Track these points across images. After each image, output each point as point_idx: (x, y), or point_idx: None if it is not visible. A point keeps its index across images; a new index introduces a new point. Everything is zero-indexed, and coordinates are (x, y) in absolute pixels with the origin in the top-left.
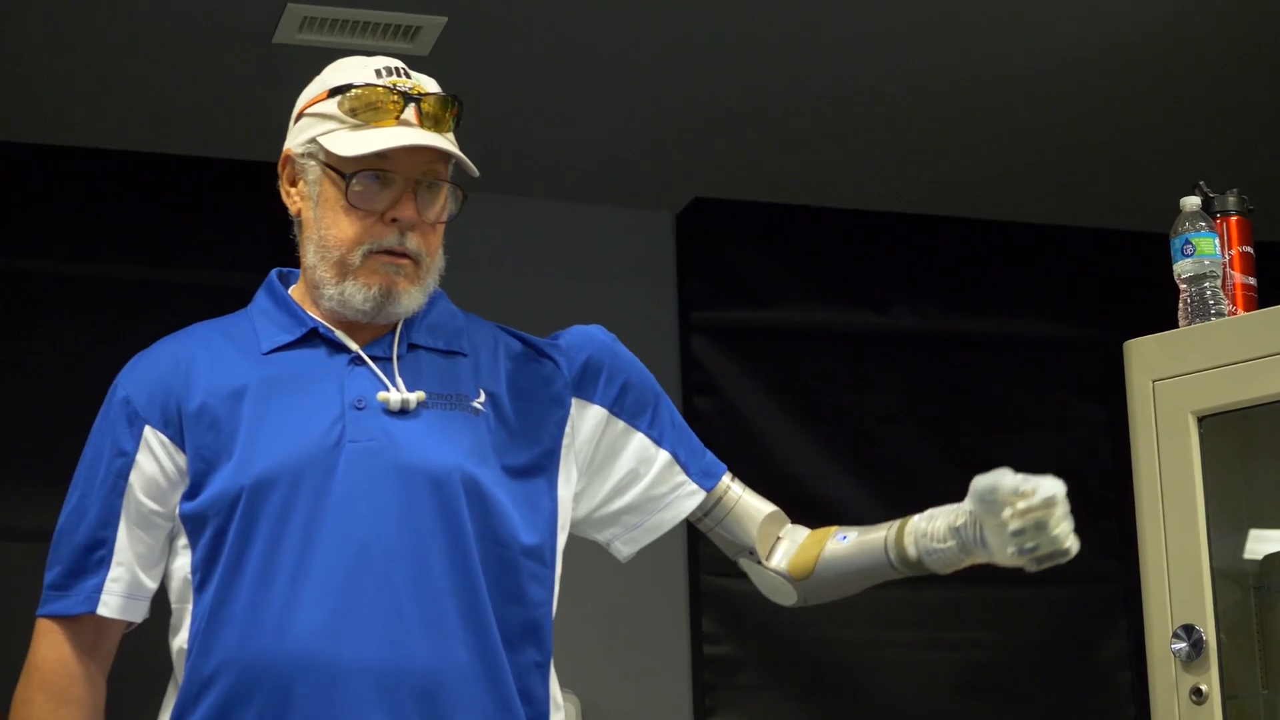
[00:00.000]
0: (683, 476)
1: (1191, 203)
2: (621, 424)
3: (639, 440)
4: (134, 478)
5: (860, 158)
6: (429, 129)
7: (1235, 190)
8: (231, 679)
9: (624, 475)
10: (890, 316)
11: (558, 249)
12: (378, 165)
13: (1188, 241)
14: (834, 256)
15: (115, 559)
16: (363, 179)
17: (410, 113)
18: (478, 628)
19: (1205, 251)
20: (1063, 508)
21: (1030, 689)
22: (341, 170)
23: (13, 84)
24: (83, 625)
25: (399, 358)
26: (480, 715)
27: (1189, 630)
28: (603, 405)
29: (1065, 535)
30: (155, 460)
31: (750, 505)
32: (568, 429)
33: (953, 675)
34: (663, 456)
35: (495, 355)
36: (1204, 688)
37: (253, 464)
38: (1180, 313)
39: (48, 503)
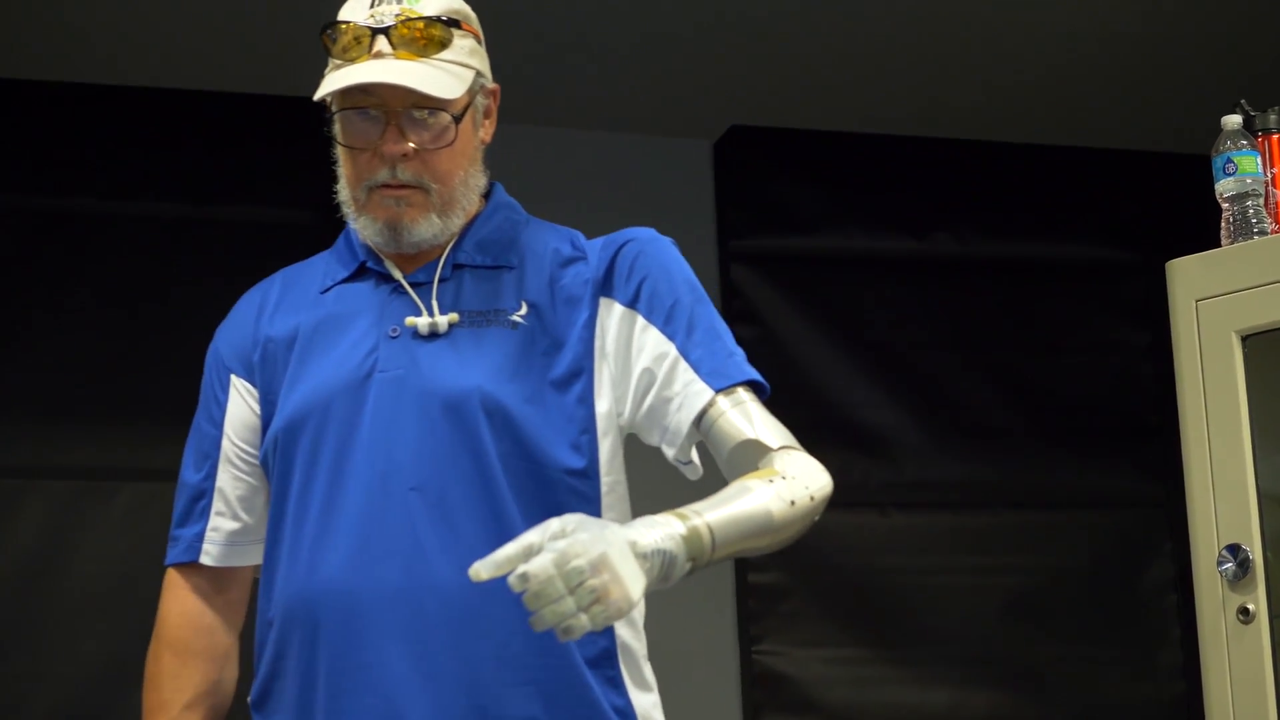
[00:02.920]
0: (692, 374)
1: (1233, 121)
2: (641, 321)
3: (654, 337)
4: (228, 426)
5: (898, 83)
6: (408, 56)
7: (1277, 108)
8: (280, 619)
9: (641, 374)
10: (930, 242)
11: (595, 179)
12: (359, 101)
13: (1229, 160)
14: (873, 183)
15: (215, 508)
16: (344, 117)
17: (382, 43)
18: None
19: (1247, 170)
20: (555, 586)
21: (1076, 613)
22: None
23: (51, 24)
24: (200, 575)
25: (441, 280)
26: (511, 632)
27: (1235, 550)
28: (623, 302)
29: (558, 616)
30: (246, 406)
31: (731, 426)
32: (597, 331)
33: (998, 600)
34: (673, 353)
35: (545, 263)
36: (1251, 607)
37: (287, 406)
38: (1223, 232)
39: (91, 440)
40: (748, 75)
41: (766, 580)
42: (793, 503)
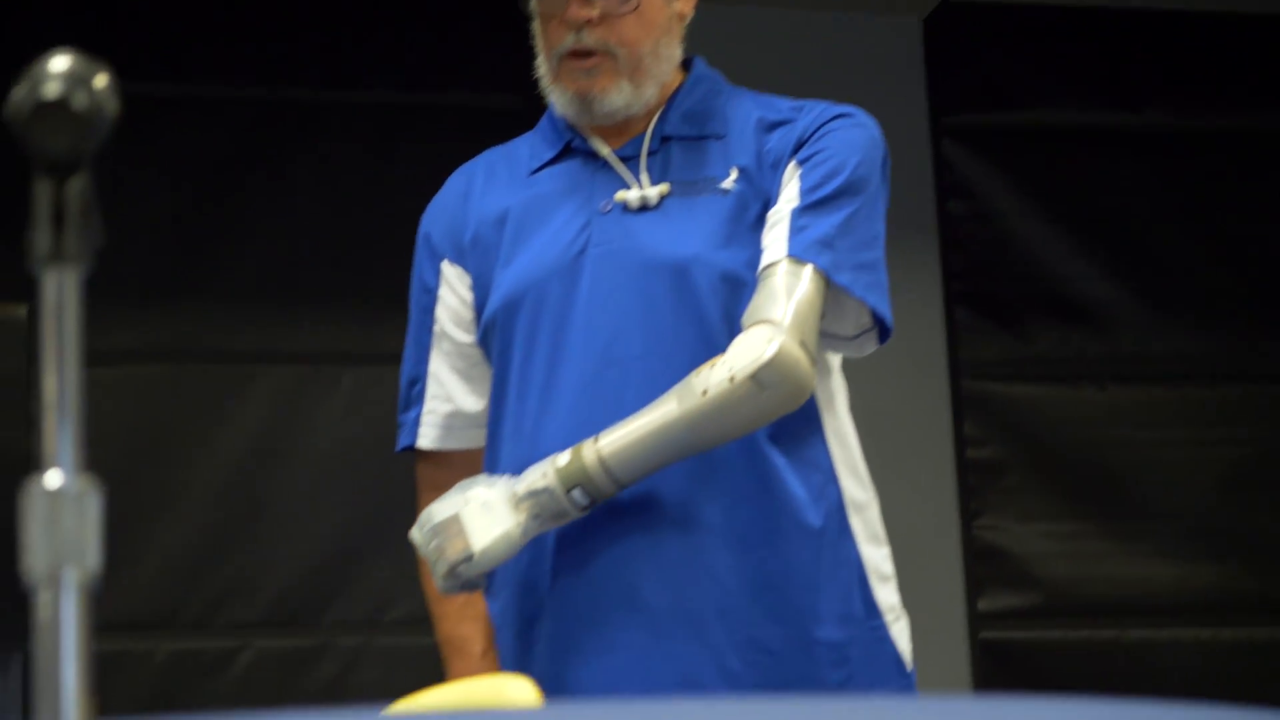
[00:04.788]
0: (786, 231)
1: None
2: (800, 172)
3: (793, 190)
4: (440, 312)
5: None
6: None
7: None
8: None
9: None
10: (1144, 115)
11: (806, 59)
12: None
13: None
14: (1085, 56)
15: (430, 391)
16: None
17: None
18: None
19: None
20: (424, 550)
21: None
22: None
23: None
24: (446, 467)
25: (650, 153)
26: (732, 487)
27: None
28: (799, 159)
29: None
30: (454, 292)
31: (761, 289)
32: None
33: (1217, 472)
34: (795, 207)
35: (752, 128)
36: None
37: (502, 286)
38: None
39: (315, 325)
40: None
41: (985, 455)
42: (704, 391)
